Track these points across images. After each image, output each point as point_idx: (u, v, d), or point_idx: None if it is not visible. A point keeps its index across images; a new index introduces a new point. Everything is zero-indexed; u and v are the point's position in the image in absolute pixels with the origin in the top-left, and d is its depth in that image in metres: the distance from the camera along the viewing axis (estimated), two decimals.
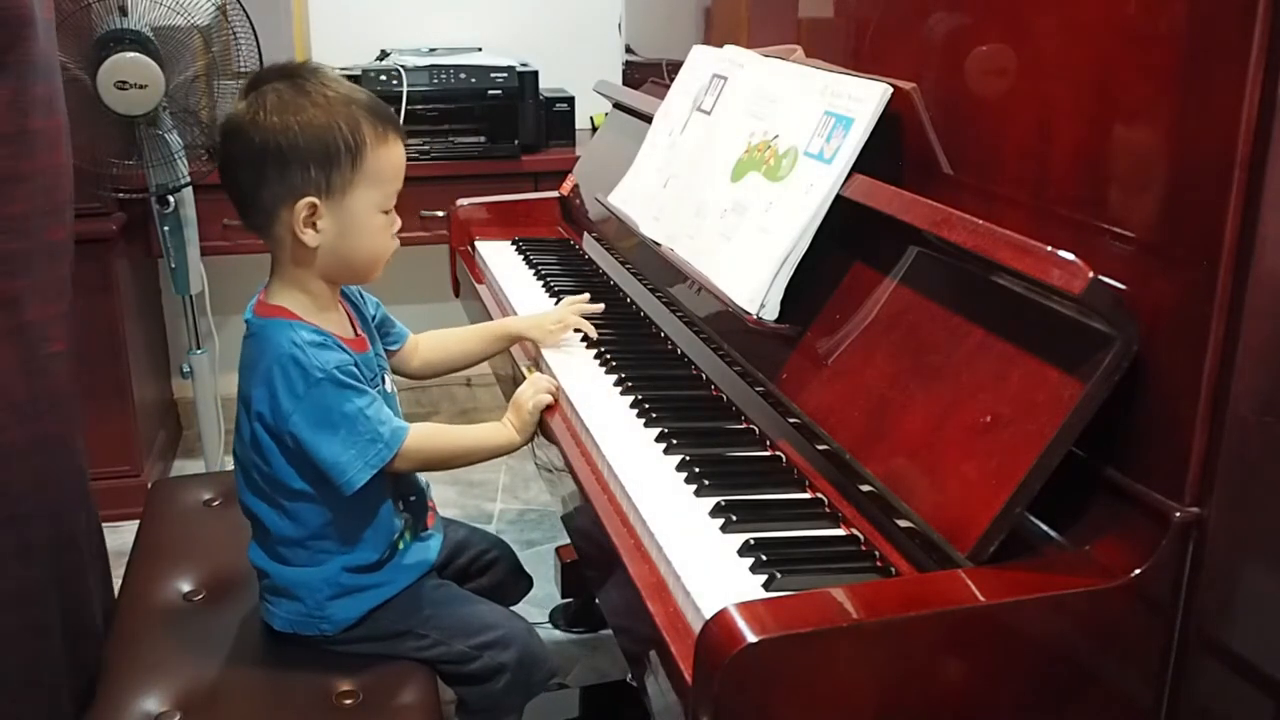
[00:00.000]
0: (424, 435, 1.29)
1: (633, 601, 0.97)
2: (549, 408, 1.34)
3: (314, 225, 1.23)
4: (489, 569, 1.55)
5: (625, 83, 2.27)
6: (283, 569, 1.31)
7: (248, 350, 1.27)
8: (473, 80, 2.65)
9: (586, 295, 1.61)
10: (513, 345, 1.56)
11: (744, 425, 1.27)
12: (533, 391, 1.35)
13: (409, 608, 1.34)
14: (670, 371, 1.45)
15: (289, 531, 1.30)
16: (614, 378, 1.39)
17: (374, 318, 1.42)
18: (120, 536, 2.01)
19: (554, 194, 2.19)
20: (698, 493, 1.10)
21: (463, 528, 1.56)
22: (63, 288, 1.31)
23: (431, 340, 1.55)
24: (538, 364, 1.49)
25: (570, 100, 2.80)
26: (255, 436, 1.26)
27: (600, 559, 1.10)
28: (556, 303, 1.71)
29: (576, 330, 1.54)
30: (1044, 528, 0.91)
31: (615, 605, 1.07)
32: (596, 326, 1.56)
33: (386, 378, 1.38)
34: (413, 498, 1.38)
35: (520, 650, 1.36)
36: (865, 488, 1.04)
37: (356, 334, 1.34)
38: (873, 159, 1.20)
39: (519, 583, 1.60)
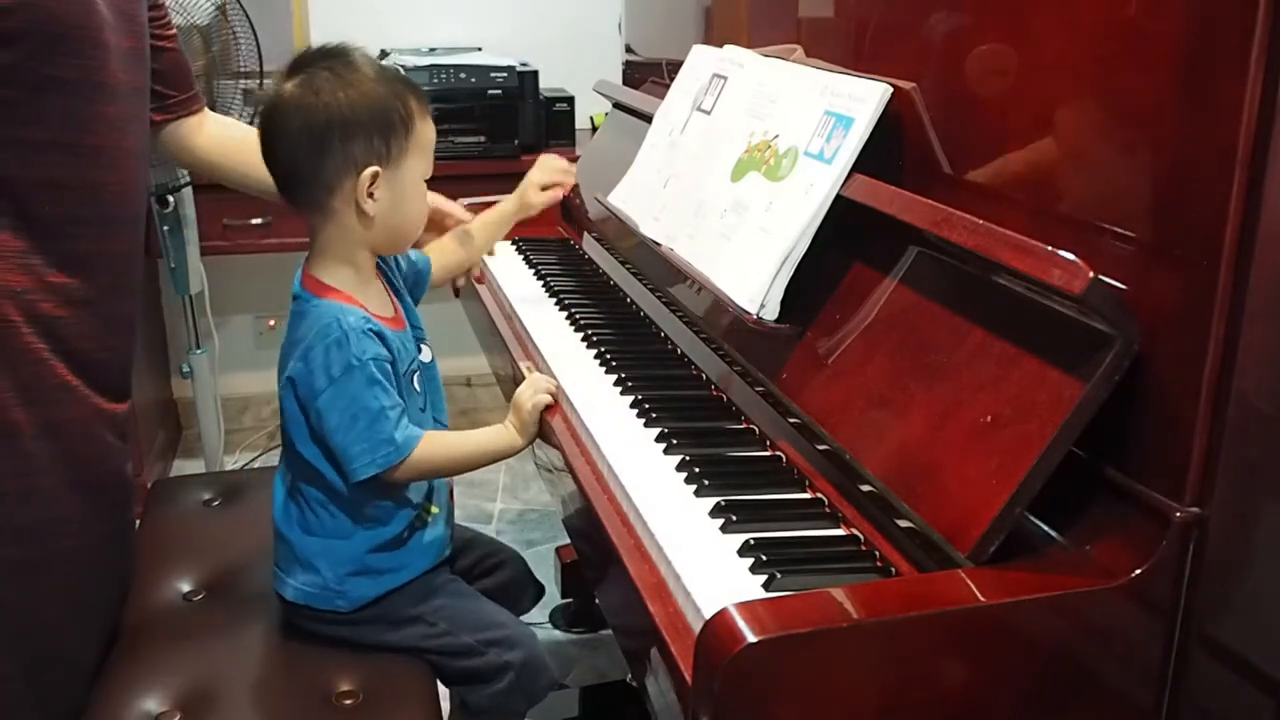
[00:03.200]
0: (430, 445, 1.29)
1: (633, 601, 0.97)
2: (549, 408, 1.34)
3: (372, 195, 1.26)
4: (494, 571, 1.55)
5: (625, 83, 2.27)
6: (307, 539, 1.32)
7: (296, 326, 1.29)
8: (473, 80, 2.65)
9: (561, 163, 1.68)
10: (512, 223, 1.64)
11: (744, 425, 1.27)
12: (531, 392, 1.35)
13: (422, 594, 1.36)
14: (670, 371, 1.45)
15: (319, 496, 1.32)
16: (614, 378, 1.39)
17: (402, 271, 1.45)
18: None
19: None
20: (698, 493, 1.10)
21: (468, 531, 1.56)
22: (93, 295, 1.34)
23: (438, 251, 1.58)
24: (537, 364, 1.49)
25: (570, 100, 2.80)
26: (283, 406, 1.30)
27: (600, 559, 1.10)
28: (556, 303, 1.72)
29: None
30: (1044, 528, 0.91)
31: (615, 605, 1.07)
32: (596, 326, 1.56)
33: (425, 346, 1.40)
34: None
35: (525, 653, 1.37)
36: (865, 488, 1.04)
37: (395, 311, 1.36)
38: (873, 159, 1.20)
39: (529, 590, 1.60)
